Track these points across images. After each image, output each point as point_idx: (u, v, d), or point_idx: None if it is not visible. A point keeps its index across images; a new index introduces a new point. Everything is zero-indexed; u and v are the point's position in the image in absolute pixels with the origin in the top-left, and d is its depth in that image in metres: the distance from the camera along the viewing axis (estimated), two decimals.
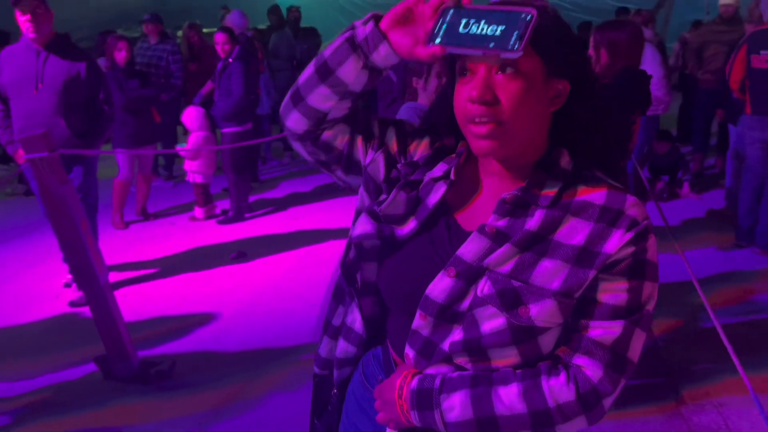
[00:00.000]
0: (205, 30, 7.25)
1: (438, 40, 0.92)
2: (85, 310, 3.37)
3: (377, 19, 0.98)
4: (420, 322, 1.01)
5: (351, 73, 1.00)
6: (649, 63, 5.20)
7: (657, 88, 3.80)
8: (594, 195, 0.96)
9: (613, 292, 0.94)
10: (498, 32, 0.87)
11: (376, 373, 1.16)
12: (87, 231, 2.81)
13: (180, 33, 7.20)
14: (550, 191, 0.97)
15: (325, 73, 1.02)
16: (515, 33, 0.86)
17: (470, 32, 0.89)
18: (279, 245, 4.68)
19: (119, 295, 3.66)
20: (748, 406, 2.66)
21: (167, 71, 5.98)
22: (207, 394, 2.86)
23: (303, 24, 7.62)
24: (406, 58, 0.97)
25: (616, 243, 0.93)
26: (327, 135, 1.09)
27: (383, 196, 1.08)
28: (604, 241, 0.93)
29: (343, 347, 1.18)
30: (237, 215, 5.24)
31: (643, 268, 0.95)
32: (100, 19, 6.93)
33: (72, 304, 3.76)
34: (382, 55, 0.98)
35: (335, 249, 4.51)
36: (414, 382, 1.01)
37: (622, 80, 2.68)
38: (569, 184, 0.98)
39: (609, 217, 0.94)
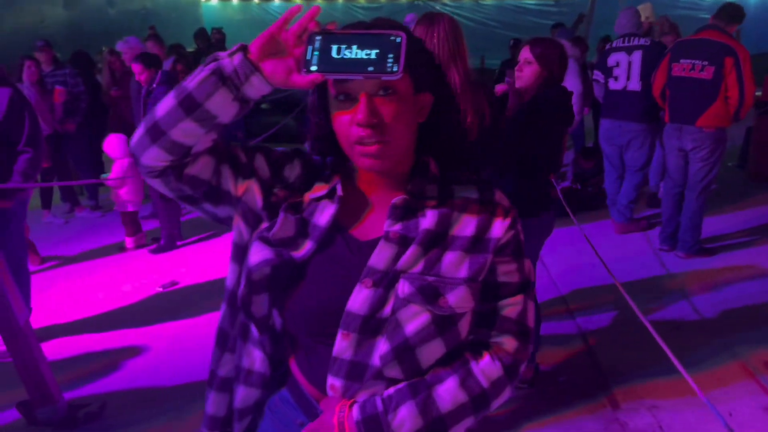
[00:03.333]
0: None
1: (314, 68, 0.91)
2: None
3: (245, 49, 0.95)
4: (342, 345, 0.99)
5: (221, 106, 0.96)
6: (572, 78, 5.39)
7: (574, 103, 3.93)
8: (468, 192, 1.08)
9: (508, 273, 1.07)
10: (373, 55, 0.89)
11: (294, 417, 1.10)
12: (2, 270, 2.65)
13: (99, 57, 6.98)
14: (432, 193, 1.06)
15: (191, 107, 0.96)
16: (390, 56, 0.89)
17: (344, 57, 0.90)
18: (213, 272, 4.56)
19: (43, 334, 3.48)
20: (680, 407, 2.75)
21: (74, 95, 5.84)
22: None
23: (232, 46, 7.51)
24: (284, 87, 0.96)
25: (500, 228, 1.05)
26: (191, 169, 1.03)
27: (264, 224, 1.05)
28: (489, 228, 1.05)
29: (243, 393, 1.11)
30: (169, 243, 5.09)
31: (521, 248, 1.09)
32: (16, 42, 6.64)
33: None
34: (254, 87, 0.95)
35: None
36: (355, 413, 0.99)
37: (553, 94, 2.74)
38: (444, 185, 1.08)
39: (488, 208, 1.06)
